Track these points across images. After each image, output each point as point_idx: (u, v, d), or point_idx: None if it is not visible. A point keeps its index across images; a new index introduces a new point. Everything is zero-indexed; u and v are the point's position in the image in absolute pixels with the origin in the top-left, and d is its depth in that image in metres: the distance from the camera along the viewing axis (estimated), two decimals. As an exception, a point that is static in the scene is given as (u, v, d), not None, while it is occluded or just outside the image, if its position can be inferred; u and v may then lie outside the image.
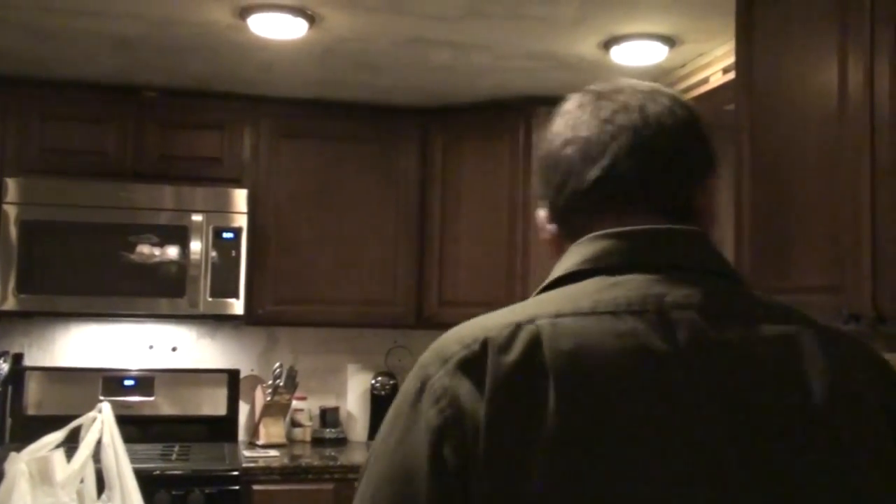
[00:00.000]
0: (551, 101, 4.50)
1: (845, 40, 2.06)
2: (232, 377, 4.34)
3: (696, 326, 0.97)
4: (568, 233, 1.09)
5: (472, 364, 0.95)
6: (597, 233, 1.05)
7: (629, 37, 3.25)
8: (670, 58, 3.43)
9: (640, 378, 0.94)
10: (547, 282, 1.06)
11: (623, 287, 1.00)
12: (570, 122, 1.11)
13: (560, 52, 3.45)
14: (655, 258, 1.03)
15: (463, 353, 0.96)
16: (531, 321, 0.97)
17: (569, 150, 1.09)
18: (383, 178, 4.28)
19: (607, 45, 3.33)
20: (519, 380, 0.93)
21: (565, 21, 3.12)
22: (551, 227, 1.12)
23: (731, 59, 2.62)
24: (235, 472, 3.67)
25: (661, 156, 1.07)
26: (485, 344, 0.96)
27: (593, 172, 1.06)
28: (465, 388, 0.94)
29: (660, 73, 3.66)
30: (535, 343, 0.95)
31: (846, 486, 0.96)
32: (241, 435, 4.34)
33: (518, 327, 0.96)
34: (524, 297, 3.59)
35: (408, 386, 0.99)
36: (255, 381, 4.36)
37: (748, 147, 2.44)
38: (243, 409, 4.37)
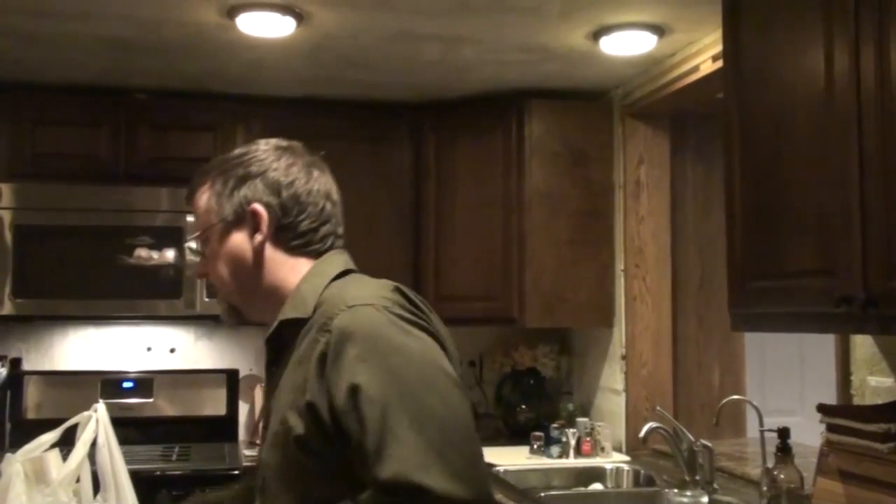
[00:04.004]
0: (543, 94, 4.48)
1: (830, 25, 2.07)
2: (231, 377, 4.34)
3: None
4: (300, 247, 1.65)
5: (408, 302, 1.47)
6: (339, 250, 1.69)
7: (618, 27, 3.24)
8: (660, 47, 3.44)
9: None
10: (338, 272, 1.60)
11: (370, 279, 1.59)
12: (311, 174, 1.81)
13: (550, 43, 3.45)
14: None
15: (400, 297, 1.46)
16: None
17: (324, 201, 1.75)
18: (377, 175, 4.27)
19: (597, 35, 3.32)
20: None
21: (553, 12, 3.12)
22: (269, 233, 1.63)
23: (721, 47, 2.62)
24: (237, 471, 3.68)
25: None
26: (401, 292, 1.48)
27: (337, 213, 1.76)
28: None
29: (650, 63, 3.67)
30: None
31: None
32: (242, 434, 4.34)
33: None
34: (521, 290, 3.63)
35: (382, 329, 1.40)
36: (254, 380, 4.36)
37: (738, 134, 2.44)
38: (243, 408, 4.38)
